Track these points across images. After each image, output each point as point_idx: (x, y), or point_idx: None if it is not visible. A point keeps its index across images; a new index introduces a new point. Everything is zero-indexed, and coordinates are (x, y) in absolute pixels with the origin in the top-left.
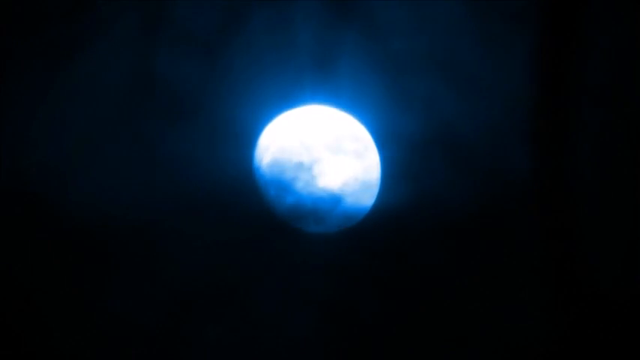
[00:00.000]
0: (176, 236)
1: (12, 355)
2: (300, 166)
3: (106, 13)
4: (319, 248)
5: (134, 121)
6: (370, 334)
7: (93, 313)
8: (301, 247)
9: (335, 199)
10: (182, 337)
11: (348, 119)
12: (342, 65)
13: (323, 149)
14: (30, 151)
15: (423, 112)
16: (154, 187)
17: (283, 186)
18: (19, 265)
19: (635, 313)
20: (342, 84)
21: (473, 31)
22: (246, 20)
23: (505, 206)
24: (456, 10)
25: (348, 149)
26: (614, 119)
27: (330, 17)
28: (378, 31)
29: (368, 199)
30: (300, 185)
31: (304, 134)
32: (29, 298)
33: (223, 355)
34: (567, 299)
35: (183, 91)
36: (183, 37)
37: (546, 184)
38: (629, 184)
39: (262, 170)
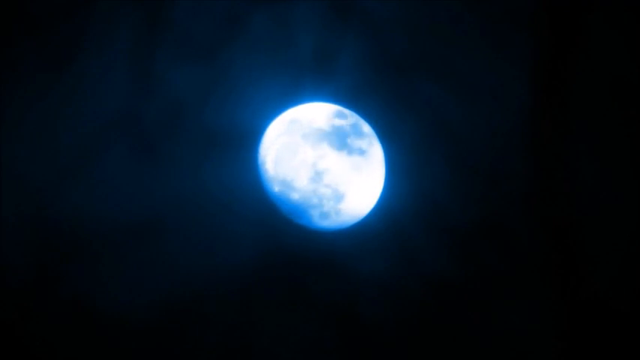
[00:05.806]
0: (178, 235)
1: (11, 355)
2: (303, 163)
3: (106, 14)
4: (323, 245)
5: (134, 122)
6: (371, 333)
7: (96, 313)
8: (305, 243)
9: (339, 196)
10: (183, 337)
11: (350, 116)
12: (343, 65)
13: (326, 146)
14: (29, 151)
15: (422, 112)
16: (155, 187)
17: (287, 183)
18: (19, 266)
19: (636, 317)
20: (343, 83)
21: (473, 31)
22: (247, 21)
23: (506, 207)
24: (456, 10)
25: (351, 145)
26: (615, 122)
27: (330, 17)
28: (378, 31)
29: (372, 195)
30: (303, 182)
31: (307, 132)
32: (28, 299)
33: (224, 354)
34: (568, 303)
35: (184, 92)
36: (183, 38)
37: (547, 186)
38: (629, 187)
39: (266, 168)
